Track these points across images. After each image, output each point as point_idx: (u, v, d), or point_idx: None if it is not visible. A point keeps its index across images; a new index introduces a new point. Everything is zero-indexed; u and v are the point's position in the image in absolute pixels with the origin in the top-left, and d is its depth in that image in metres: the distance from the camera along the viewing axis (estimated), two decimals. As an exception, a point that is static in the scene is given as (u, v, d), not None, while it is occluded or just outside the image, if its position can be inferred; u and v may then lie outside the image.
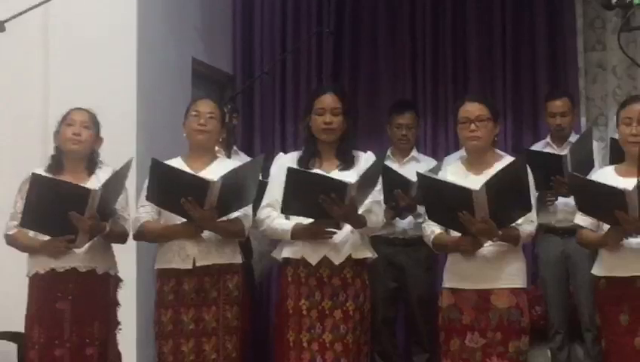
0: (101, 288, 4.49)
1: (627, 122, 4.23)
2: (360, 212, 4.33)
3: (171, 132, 5.02)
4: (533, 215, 4.33)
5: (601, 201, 4.04)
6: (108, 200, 4.37)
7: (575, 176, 4.27)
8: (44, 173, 4.44)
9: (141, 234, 4.57)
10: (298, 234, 4.37)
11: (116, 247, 4.59)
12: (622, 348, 4.11)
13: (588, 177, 4.39)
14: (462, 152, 4.80)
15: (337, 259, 4.37)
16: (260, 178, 4.64)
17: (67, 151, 4.51)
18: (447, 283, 4.41)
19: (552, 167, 5.41)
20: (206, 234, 4.44)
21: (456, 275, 4.37)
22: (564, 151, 5.60)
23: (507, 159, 4.46)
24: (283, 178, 4.28)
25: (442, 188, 4.23)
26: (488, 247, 4.28)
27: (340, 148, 4.47)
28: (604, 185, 4.01)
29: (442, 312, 4.39)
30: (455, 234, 4.33)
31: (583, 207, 4.23)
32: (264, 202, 4.48)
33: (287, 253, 4.44)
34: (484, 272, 4.29)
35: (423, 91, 7.00)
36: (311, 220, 4.34)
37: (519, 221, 4.27)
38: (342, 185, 4.16)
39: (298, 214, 4.35)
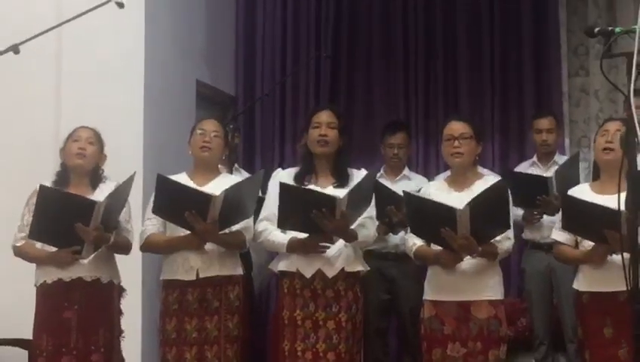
0: (106, 297, 4.50)
1: (603, 134, 4.25)
2: (353, 227, 4.35)
3: (176, 149, 5.04)
4: (510, 233, 4.35)
5: (591, 220, 4.04)
6: (112, 213, 4.38)
7: (568, 197, 4.26)
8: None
9: (147, 246, 4.60)
10: (293, 247, 4.39)
11: (122, 258, 4.60)
12: (607, 359, 4.10)
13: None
14: (449, 174, 4.82)
15: (331, 272, 4.39)
16: (260, 194, 4.66)
17: (72, 165, 4.52)
18: (429, 295, 4.44)
19: (539, 187, 5.45)
20: (209, 246, 4.46)
21: (437, 287, 4.39)
22: (549, 171, 5.63)
23: (488, 177, 4.53)
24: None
25: (428, 207, 4.26)
26: (468, 261, 4.30)
27: (335, 165, 4.49)
28: (598, 205, 4.00)
29: (424, 323, 4.41)
30: (435, 247, 4.36)
31: (569, 225, 4.23)
32: (261, 215, 4.51)
33: (283, 265, 4.46)
34: (464, 285, 4.31)
35: (415, 113, 7.03)
36: (306, 235, 4.35)
37: (497, 238, 4.30)
38: (331, 200, 4.18)
39: (293, 229, 4.37)
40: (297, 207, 4.24)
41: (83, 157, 4.50)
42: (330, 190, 4.37)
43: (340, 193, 4.27)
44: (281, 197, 4.24)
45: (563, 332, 5.73)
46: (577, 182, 5.22)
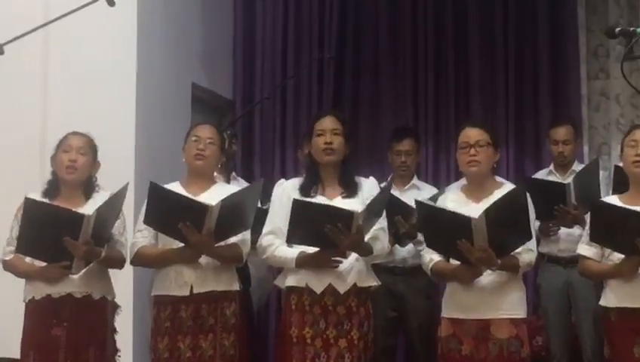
0: (97, 314, 4.48)
1: (632, 145, 4.25)
2: (365, 239, 4.34)
3: (170, 157, 5.04)
4: (532, 243, 4.33)
5: (623, 228, 4.03)
6: (103, 225, 4.37)
7: (598, 203, 4.25)
8: (39, 198, 4.45)
9: (138, 260, 4.58)
10: (303, 262, 4.37)
11: (113, 273, 4.59)
12: (637, 380, 4.09)
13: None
14: (463, 182, 4.80)
15: (342, 288, 4.37)
16: (259, 205, 4.65)
17: (63, 178, 4.52)
18: (446, 312, 4.42)
19: (555, 196, 5.42)
20: (203, 260, 4.44)
21: (456, 305, 4.37)
22: (568, 180, 5.60)
23: (507, 186, 4.48)
24: (285, 204, 4.33)
25: (441, 216, 4.24)
26: (488, 276, 4.28)
27: (342, 174, 4.49)
28: (631, 210, 3.99)
29: (441, 342, 4.39)
30: (454, 262, 4.34)
31: (597, 235, 4.21)
32: (266, 229, 4.48)
33: (291, 281, 4.43)
34: (484, 302, 4.30)
35: (424, 118, 7.04)
36: (316, 249, 4.35)
37: (518, 250, 4.28)
38: (349, 215, 4.18)
39: (303, 243, 4.36)
40: (310, 222, 4.23)
41: (74, 171, 4.49)
42: (339, 201, 4.37)
43: (350, 203, 4.28)
44: (293, 212, 4.22)
45: (582, 352, 5.71)
46: (597, 191, 5.21)
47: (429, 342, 5.48)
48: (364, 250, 4.35)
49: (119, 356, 4.57)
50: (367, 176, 4.59)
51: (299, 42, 7.22)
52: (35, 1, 5.56)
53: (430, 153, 6.94)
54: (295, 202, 4.25)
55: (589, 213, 4.35)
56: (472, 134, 4.42)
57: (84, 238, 4.26)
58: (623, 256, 4.13)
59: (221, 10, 7.11)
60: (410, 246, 5.59)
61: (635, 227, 3.95)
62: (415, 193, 5.67)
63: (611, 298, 4.24)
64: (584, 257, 4.35)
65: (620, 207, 4.08)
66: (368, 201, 4.30)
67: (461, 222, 4.10)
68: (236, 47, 7.28)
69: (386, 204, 4.48)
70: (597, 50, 7.00)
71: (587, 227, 4.33)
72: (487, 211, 4.07)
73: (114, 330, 4.56)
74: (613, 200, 4.34)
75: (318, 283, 4.36)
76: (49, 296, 4.41)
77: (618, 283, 4.20)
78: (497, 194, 4.31)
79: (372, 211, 4.30)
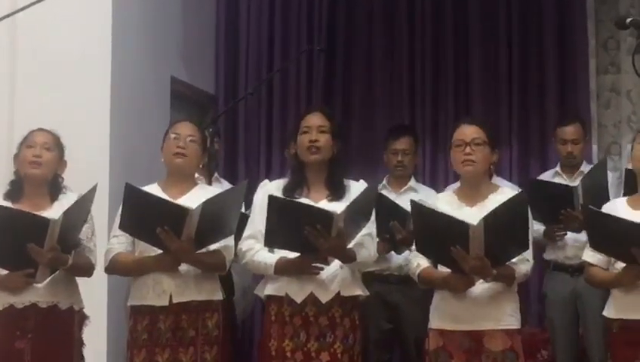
0: (64, 325, 4.48)
1: None
2: (350, 245, 4.34)
3: (147, 156, 5.05)
4: (529, 253, 4.34)
5: (619, 238, 4.06)
6: (70, 231, 4.36)
7: (591, 210, 4.28)
8: (1, 200, 4.46)
9: (113, 267, 4.58)
10: (282, 269, 4.37)
11: (85, 281, 4.59)
12: (639, 396, 4.12)
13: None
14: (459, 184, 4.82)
15: (325, 297, 4.37)
16: (242, 210, 4.65)
17: (27, 175, 4.51)
18: (435, 323, 4.41)
19: (562, 199, 5.43)
20: (184, 268, 4.45)
21: (445, 315, 4.37)
22: (575, 182, 5.61)
23: (504, 190, 4.49)
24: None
25: (437, 220, 4.23)
26: (480, 285, 4.29)
27: (329, 176, 4.49)
28: (624, 220, 4.02)
29: (429, 356, 4.40)
30: (444, 269, 4.35)
31: (596, 243, 4.24)
32: (246, 233, 4.49)
33: (270, 289, 4.44)
34: (477, 312, 4.30)
35: (421, 115, 7.05)
36: (296, 254, 4.35)
37: (514, 259, 4.29)
38: (328, 216, 4.17)
39: (282, 247, 4.36)
40: (288, 223, 4.23)
41: (38, 166, 4.49)
42: (324, 204, 4.36)
43: (336, 207, 4.26)
44: (269, 211, 4.23)
45: (590, 365, 5.73)
46: (605, 193, 5.23)
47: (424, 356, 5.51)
48: (347, 256, 4.35)
49: (86, 369, 4.56)
50: (358, 179, 4.59)
51: (286, 33, 7.23)
52: (1, -12, 5.55)
53: (428, 153, 6.94)
54: (270, 199, 4.25)
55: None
56: (467, 132, 4.42)
57: (49, 244, 4.25)
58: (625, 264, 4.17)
59: (202, 0, 7.11)
60: (406, 254, 5.59)
61: (630, 236, 3.98)
62: (412, 195, 5.63)
63: (613, 309, 4.28)
64: (590, 264, 4.37)
65: (613, 216, 4.11)
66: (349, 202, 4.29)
67: (458, 228, 4.10)
68: (219, 38, 7.29)
69: (372, 206, 4.47)
70: (607, 42, 7.01)
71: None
72: (486, 218, 4.07)
73: (81, 343, 4.55)
74: (621, 203, 4.37)
75: (298, 292, 4.37)
76: (12, 306, 4.40)
77: (620, 293, 4.24)
78: (492, 199, 4.33)
79: (356, 213, 4.29)
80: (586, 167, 5.88)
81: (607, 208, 4.36)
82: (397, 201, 5.52)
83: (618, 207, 4.30)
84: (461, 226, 4.09)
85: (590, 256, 4.33)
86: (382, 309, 5.74)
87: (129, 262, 4.53)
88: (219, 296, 4.56)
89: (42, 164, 4.49)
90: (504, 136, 6.73)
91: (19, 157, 4.54)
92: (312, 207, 4.28)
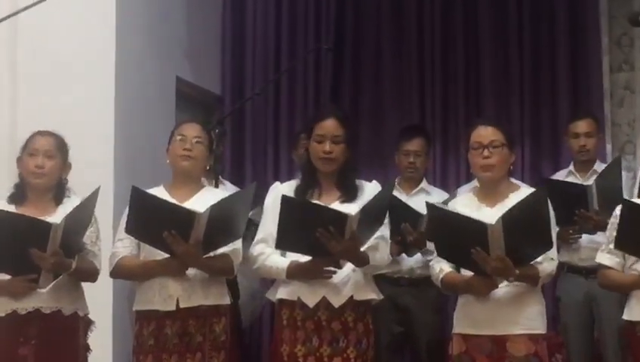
0: (68, 331, 4.46)
1: None
2: (363, 248, 4.32)
3: (153, 158, 5.03)
4: (553, 252, 4.31)
5: None
6: (73, 235, 4.35)
7: (630, 203, 4.23)
8: (5, 204, 4.45)
9: (118, 271, 4.57)
10: (294, 273, 4.35)
11: (90, 286, 4.57)
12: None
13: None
14: (475, 183, 4.79)
15: (337, 301, 4.35)
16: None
17: (30, 184, 4.50)
18: (458, 328, 4.40)
19: (576, 199, 5.42)
20: (191, 272, 4.43)
21: (469, 319, 4.36)
22: (589, 182, 5.59)
23: (524, 190, 4.47)
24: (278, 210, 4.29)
25: (454, 221, 4.22)
26: (504, 288, 4.27)
27: (340, 178, 4.47)
28: None
29: (453, 360, 4.38)
30: (467, 273, 4.33)
31: (625, 241, 4.20)
32: (257, 237, 4.48)
33: (282, 293, 4.43)
34: (500, 316, 4.28)
35: (431, 115, 7.04)
36: (308, 257, 4.32)
37: (538, 259, 4.26)
38: (341, 217, 4.15)
39: (294, 250, 4.35)
40: (300, 225, 4.21)
41: (41, 177, 4.48)
42: (337, 205, 4.34)
43: (348, 208, 4.24)
44: (282, 212, 4.21)
45: (606, 370, 5.71)
46: (620, 193, 5.20)
47: (437, 360, 5.48)
48: (360, 260, 4.33)
49: (91, 375, 4.55)
50: (368, 180, 4.57)
51: (293, 32, 7.23)
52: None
53: (438, 154, 6.93)
54: (283, 199, 4.23)
55: (611, 219, 4.34)
56: (485, 134, 4.40)
57: (52, 249, 4.23)
58: None
59: (208, -1, 7.12)
60: (417, 256, 5.59)
61: None
62: (423, 197, 5.65)
63: (636, 310, 4.24)
64: (605, 266, 4.34)
65: None
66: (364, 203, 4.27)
67: (476, 228, 4.08)
68: (225, 38, 7.28)
69: (387, 208, 4.45)
70: (620, 39, 7.00)
71: (608, 233, 4.34)
72: (504, 217, 4.05)
73: (87, 348, 4.54)
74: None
75: (310, 296, 4.36)
76: (15, 311, 4.38)
77: None
78: (513, 198, 4.31)
79: (370, 216, 4.27)
80: (599, 166, 5.86)
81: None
82: (408, 203, 5.51)
83: None
84: (479, 226, 4.07)
85: (606, 258, 4.32)
86: (393, 312, 5.73)
87: (135, 266, 4.52)
88: (226, 300, 4.55)
89: (45, 174, 4.48)
90: (516, 136, 6.65)
91: (22, 162, 4.52)
92: (326, 208, 4.26)
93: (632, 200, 4.28)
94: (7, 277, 4.38)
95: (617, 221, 4.26)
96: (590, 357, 5.83)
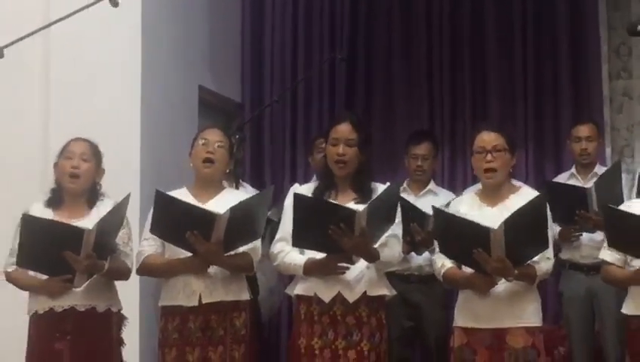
0: (102, 327, 4.48)
1: None
2: (375, 246, 4.32)
3: (176, 162, 5.04)
4: (549, 252, 4.33)
5: (636, 236, 4.02)
6: (105, 238, 4.36)
7: (611, 208, 4.24)
8: (42, 208, 4.47)
9: (144, 269, 4.58)
10: (310, 269, 4.36)
11: (119, 284, 4.58)
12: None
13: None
14: (479, 185, 4.79)
15: (352, 297, 4.35)
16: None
17: (65, 187, 4.52)
18: (460, 321, 4.41)
19: (577, 200, 5.41)
20: (212, 269, 4.44)
21: (469, 314, 4.37)
22: (590, 184, 5.58)
23: (524, 191, 4.49)
24: None
25: (459, 225, 4.23)
26: (502, 284, 4.28)
27: (355, 180, 4.46)
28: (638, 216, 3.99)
29: (454, 352, 4.40)
30: (467, 269, 4.34)
31: (613, 242, 4.20)
32: (277, 236, 4.48)
33: (299, 289, 4.43)
34: (499, 310, 4.30)
35: (440, 120, 7.03)
36: (324, 255, 4.33)
37: (535, 258, 4.27)
38: (350, 213, 4.15)
39: (309, 247, 4.35)
40: (313, 222, 4.21)
41: (76, 179, 4.49)
42: (351, 205, 4.32)
43: (361, 208, 4.24)
44: (295, 210, 4.22)
45: (606, 362, 5.69)
46: (619, 194, 5.20)
47: (446, 354, 5.47)
48: (370, 255, 4.32)
49: (125, 369, 4.56)
50: (380, 181, 4.56)
51: (309, 43, 7.22)
52: (35, 2, 5.55)
53: (446, 158, 6.91)
54: (295, 197, 4.25)
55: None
56: (488, 139, 4.41)
57: (85, 252, 4.25)
58: None
59: (229, 10, 7.11)
60: (426, 254, 5.58)
61: None
62: (431, 198, 5.65)
63: (632, 305, 4.25)
64: (606, 263, 4.34)
65: (632, 214, 4.09)
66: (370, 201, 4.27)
67: (479, 232, 4.10)
68: (244, 48, 7.27)
69: (396, 207, 4.45)
70: (619, 48, 6.97)
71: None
72: (506, 222, 4.06)
73: (120, 342, 4.55)
74: (636, 203, 4.33)
75: (326, 292, 4.36)
76: (51, 309, 4.41)
77: (639, 290, 4.20)
78: (513, 199, 4.34)
79: (380, 214, 4.27)
80: (599, 169, 5.86)
81: (623, 208, 4.32)
82: (416, 204, 5.50)
83: (634, 208, 4.26)
84: (482, 230, 4.09)
85: (608, 254, 4.31)
86: (403, 308, 5.71)
87: (160, 264, 4.53)
88: (246, 296, 4.55)
89: (80, 176, 4.49)
90: (520, 140, 6.67)
91: (58, 167, 4.53)
92: (336, 204, 4.27)
93: (610, 206, 4.26)
94: (45, 277, 4.40)
95: None
96: (591, 349, 5.80)
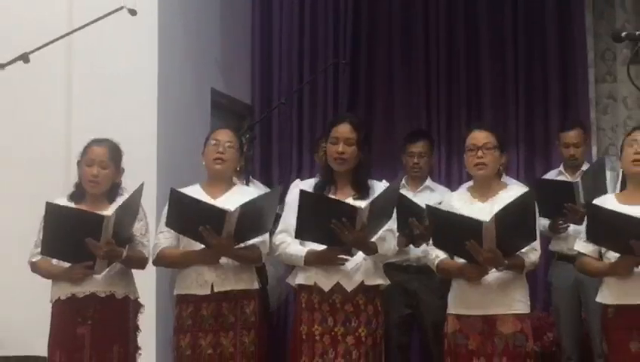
0: (120, 312, 4.49)
1: (631, 144, 4.24)
2: (373, 239, 4.33)
3: (191, 161, 5.04)
4: (537, 244, 4.36)
5: (617, 230, 4.03)
6: (123, 226, 4.37)
7: (594, 205, 4.24)
8: (65, 201, 4.47)
9: (160, 260, 4.60)
10: (311, 260, 4.38)
11: (136, 273, 4.59)
12: (633, 374, 4.07)
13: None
14: (472, 182, 4.81)
15: (350, 286, 4.37)
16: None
17: (87, 190, 4.52)
18: (453, 309, 4.45)
19: (564, 194, 5.40)
20: (224, 260, 4.45)
21: (462, 301, 4.40)
22: (577, 180, 5.57)
23: (512, 187, 4.53)
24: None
25: (452, 220, 4.26)
26: (493, 274, 4.31)
27: (354, 177, 4.47)
28: (625, 214, 3.99)
29: (448, 338, 4.42)
30: (459, 259, 4.36)
31: (593, 235, 4.20)
32: (279, 228, 4.51)
33: (300, 279, 4.45)
34: (490, 298, 4.32)
35: (437, 121, 7.03)
36: (324, 247, 4.35)
37: (523, 249, 4.30)
38: (352, 210, 4.17)
39: (311, 240, 4.37)
40: (317, 216, 4.23)
41: (97, 185, 4.49)
42: (350, 202, 4.35)
43: (361, 204, 4.25)
44: (300, 205, 4.23)
45: (592, 347, 5.68)
46: (604, 190, 5.20)
47: (442, 339, 5.48)
48: (369, 249, 4.34)
49: (140, 353, 4.56)
50: (380, 180, 4.59)
51: (314, 48, 7.21)
52: (58, 11, 5.56)
53: (443, 155, 6.92)
54: (301, 193, 4.26)
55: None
56: (479, 137, 4.44)
57: (105, 239, 4.26)
58: (618, 254, 4.13)
59: (239, 18, 7.11)
60: (423, 246, 5.56)
61: (629, 229, 3.95)
62: (428, 194, 5.67)
63: (608, 295, 4.24)
64: (582, 254, 4.34)
65: (615, 211, 4.08)
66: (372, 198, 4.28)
67: (472, 225, 4.13)
68: (254, 54, 7.27)
69: (395, 204, 4.46)
70: (604, 53, 6.97)
71: (584, 225, 4.32)
72: (497, 216, 4.09)
73: (137, 328, 4.56)
74: (610, 198, 4.33)
75: (326, 282, 4.38)
76: (74, 295, 4.42)
77: (614, 280, 4.19)
78: (502, 195, 4.37)
79: (379, 210, 4.28)
80: (586, 167, 5.83)
81: (598, 202, 4.32)
82: (414, 199, 5.49)
83: (608, 201, 4.27)
84: (474, 224, 4.11)
85: (583, 246, 4.31)
86: (402, 296, 5.72)
87: (174, 255, 4.55)
88: (255, 285, 4.57)
89: (99, 183, 4.48)
90: (512, 140, 6.70)
91: (81, 168, 4.52)
92: (340, 201, 4.28)
93: (595, 203, 4.26)
94: (67, 265, 4.42)
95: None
96: (578, 334, 5.82)
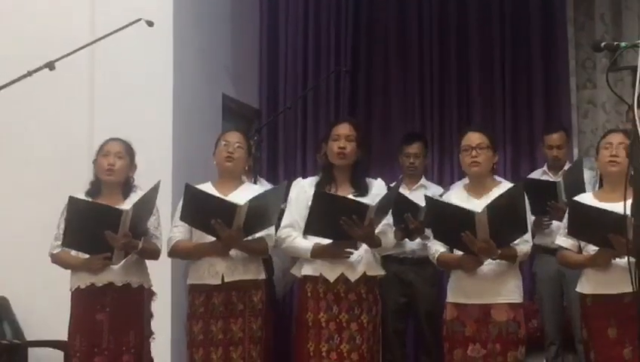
0: (136, 300, 4.49)
1: (607, 146, 4.23)
2: (375, 233, 4.35)
3: (203, 161, 5.05)
4: (528, 236, 4.35)
5: (596, 225, 4.02)
6: (139, 219, 4.38)
7: (575, 202, 4.24)
8: (84, 197, 4.47)
9: (174, 252, 4.61)
10: (318, 253, 4.38)
11: (152, 263, 4.60)
12: (612, 359, 4.08)
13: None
14: (465, 181, 4.81)
15: (353, 277, 4.38)
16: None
17: (103, 180, 4.53)
18: (451, 298, 4.43)
19: (548, 193, 5.41)
20: (233, 252, 4.46)
21: (460, 291, 4.39)
22: (559, 179, 5.58)
23: (505, 185, 4.52)
24: (301, 200, 4.38)
25: (448, 211, 4.27)
26: (488, 265, 4.30)
27: (353, 175, 4.49)
28: (605, 210, 3.99)
29: (446, 325, 4.42)
30: (458, 253, 4.36)
31: (574, 230, 4.20)
32: (284, 222, 4.50)
33: (306, 270, 4.45)
34: (485, 288, 4.32)
35: (430, 124, 7.03)
36: (328, 241, 4.35)
37: (516, 241, 4.30)
38: (363, 208, 4.19)
39: (319, 235, 4.37)
40: (328, 214, 4.24)
41: (112, 173, 4.50)
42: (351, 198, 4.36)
43: (364, 201, 4.28)
44: (314, 203, 4.24)
45: (573, 333, 5.68)
46: (582, 188, 5.20)
47: (435, 325, 5.49)
48: (374, 242, 4.36)
49: (154, 338, 4.56)
50: (376, 178, 4.61)
51: (318, 57, 7.22)
52: (82, 23, 5.58)
53: (436, 156, 6.92)
54: (317, 194, 4.27)
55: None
56: (473, 138, 4.45)
57: (122, 231, 4.27)
58: (597, 248, 4.12)
59: (248, 30, 7.12)
60: (418, 240, 5.58)
61: (607, 224, 3.94)
62: (423, 192, 5.64)
63: (587, 285, 4.23)
64: (562, 248, 4.33)
65: (594, 207, 4.08)
66: (379, 198, 4.30)
67: (465, 216, 4.12)
68: (262, 62, 7.28)
69: (392, 202, 4.48)
70: (585, 62, 6.96)
71: (565, 221, 4.32)
72: (489, 206, 4.10)
73: (150, 315, 4.56)
74: (588, 197, 4.32)
75: (331, 273, 4.39)
76: (93, 284, 4.43)
77: (592, 272, 4.19)
78: (496, 192, 4.35)
79: (381, 207, 4.30)
80: (568, 167, 5.83)
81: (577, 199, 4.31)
82: (410, 197, 5.50)
83: (586, 199, 4.26)
84: (468, 215, 4.12)
85: (563, 240, 4.30)
86: (398, 286, 5.73)
87: (188, 247, 4.55)
88: (263, 275, 4.57)
89: (115, 171, 4.50)
90: (499, 142, 6.64)
91: (96, 163, 4.56)
92: (352, 200, 4.29)
93: (575, 200, 4.26)
94: (86, 256, 4.43)
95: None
96: (560, 321, 5.84)
